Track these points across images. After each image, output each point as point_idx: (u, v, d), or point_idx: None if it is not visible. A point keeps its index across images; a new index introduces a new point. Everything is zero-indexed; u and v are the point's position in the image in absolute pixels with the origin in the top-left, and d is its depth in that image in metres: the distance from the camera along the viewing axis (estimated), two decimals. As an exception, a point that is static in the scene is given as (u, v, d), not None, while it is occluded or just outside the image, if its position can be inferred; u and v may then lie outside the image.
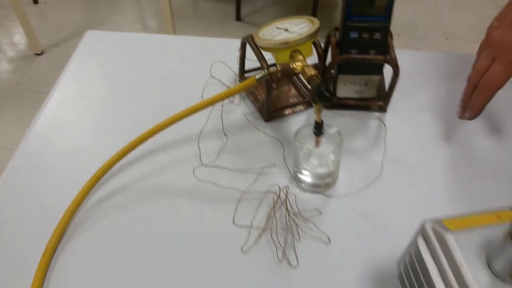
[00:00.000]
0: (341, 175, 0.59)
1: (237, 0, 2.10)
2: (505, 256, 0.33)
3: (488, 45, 0.56)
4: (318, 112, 0.51)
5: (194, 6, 2.30)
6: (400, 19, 2.07)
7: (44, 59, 2.06)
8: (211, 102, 0.55)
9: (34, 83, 1.95)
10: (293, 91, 0.69)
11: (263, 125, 0.65)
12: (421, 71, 0.73)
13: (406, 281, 0.42)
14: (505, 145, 0.63)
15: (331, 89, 0.66)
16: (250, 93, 0.68)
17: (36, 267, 0.49)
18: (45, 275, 0.49)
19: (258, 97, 0.67)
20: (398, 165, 0.60)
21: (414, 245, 0.40)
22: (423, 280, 0.39)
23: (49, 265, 0.50)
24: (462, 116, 0.59)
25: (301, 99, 0.67)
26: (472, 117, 0.58)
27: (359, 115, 0.66)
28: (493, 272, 0.35)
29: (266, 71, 0.54)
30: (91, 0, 2.35)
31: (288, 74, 0.53)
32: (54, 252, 0.51)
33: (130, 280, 0.49)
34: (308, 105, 0.67)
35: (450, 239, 0.37)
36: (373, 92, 0.65)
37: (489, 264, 0.35)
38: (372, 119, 0.66)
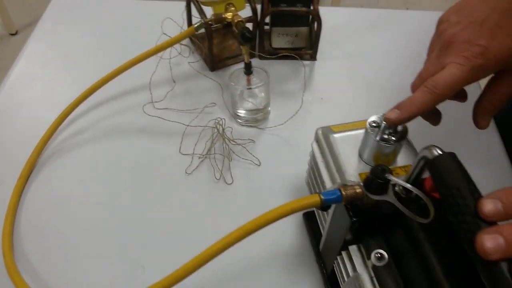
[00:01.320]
0: (273, 112, 0.69)
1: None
2: (368, 145, 0.44)
3: (445, 46, 0.44)
4: (246, 53, 0.61)
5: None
6: (363, -9, 2.16)
7: (18, 38, 2.11)
8: (157, 50, 0.65)
9: (10, 63, 2.01)
10: (236, 44, 0.78)
11: (209, 74, 0.74)
12: (350, 25, 0.83)
13: (309, 181, 0.53)
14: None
15: (270, 42, 0.76)
16: (198, 47, 0.77)
17: (12, 191, 0.58)
18: (20, 197, 0.59)
19: (204, 50, 0.76)
20: (322, 102, 0.70)
21: (311, 148, 0.50)
22: (316, 173, 0.49)
23: (23, 189, 0.59)
24: (386, 116, 0.42)
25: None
26: (398, 119, 0.41)
27: (293, 63, 0.75)
28: (363, 160, 0.45)
29: (203, 20, 0.63)
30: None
31: (221, 22, 0.63)
32: (27, 179, 0.60)
33: (93, 201, 0.59)
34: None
35: (333, 137, 0.47)
36: (303, 42, 0.75)
37: (360, 155, 0.45)
38: (303, 66, 0.76)
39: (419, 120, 0.46)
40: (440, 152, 0.34)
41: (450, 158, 0.33)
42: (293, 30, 0.73)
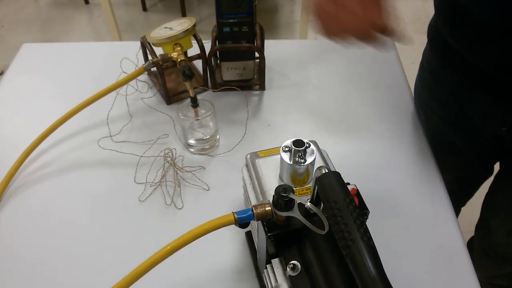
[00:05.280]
0: (223, 139, 0.74)
1: (183, 12, 2.26)
2: (284, 167, 0.49)
3: None
4: (190, 88, 0.67)
5: (143, 19, 2.45)
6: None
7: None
8: (111, 89, 0.70)
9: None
10: (190, 79, 0.84)
11: (166, 108, 0.80)
12: (295, 56, 0.90)
13: (244, 202, 0.58)
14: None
15: (221, 75, 0.82)
16: (155, 83, 0.83)
17: (-25, 224, 0.63)
18: (-16, 230, 0.63)
19: (159, 86, 0.82)
20: (269, 128, 0.76)
21: (242, 173, 0.55)
22: (245, 194, 0.54)
23: (-14, 222, 0.64)
24: None
25: (196, 85, 0.83)
26: None
27: (243, 94, 0.81)
28: (283, 181, 0.50)
29: (151, 60, 0.69)
30: (46, 20, 2.48)
31: (167, 61, 0.69)
32: (-10, 212, 0.65)
33: (55, 230, 0.63)
34: (202, 90, 0.82)
35: (258, 161, 0.52)
36: (251, 74, 0.81)
37: (280, 176, 0.51)
38: (253, 96, 0.82)
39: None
40: (326, 171, 0.39)
41: (333, 176, 0.38)
42: (241, 64, 0.80)
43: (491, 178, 0.83)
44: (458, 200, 0.93)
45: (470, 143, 0.75)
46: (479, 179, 0.89)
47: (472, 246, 0.94)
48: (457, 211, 0.97)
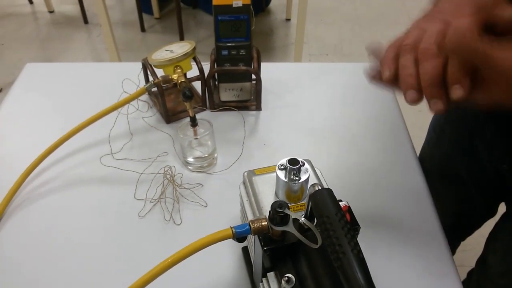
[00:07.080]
0: (220, 158, 0.77)
1: (181, 34, 2.31)
2: (280, 185, 0.51)
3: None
4: (190, 108, 0.70)
5: (141, 39, 2.50)
6: (328, 41, 2.32)
7: (2, 96, 2.20)
8: (113, 108, 0.73)
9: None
10: (189, 99, 0.87)
11: (165, 126, 0.83)
12: (291, 78, 0.94)
13: (241, 218, 0.60)
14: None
15: (219, 96, 0.85)
16: (155, 103, 0.86)
17: (-21, 238, 0.65)
18: (-14, 244, 0.65)
19: (159, 105, 0.85)
20: (265, 147, 0.79)
21: (239, 190, 0.58)
22: (244, 210, 0.56)
23: (-11, 237, 0.66)
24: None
25: (195, 105, 0.86)
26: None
27: (240, 113, 0.85)
28: (278, 198, 0.53)
29: (152, 81, 0.72)
30: (45, 38, 2.52)
31: (168, 82, 0.72)
32: (-7, 227, 0.67)
33: (57, 245, 0.65)
34: (201, 110, 0.85)
35: (255, 179, 0.55)
36: (248, 95, 0.84)
37: (276, 193, 0.53)
38: (250, 116, 0.85)
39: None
40: (320, 188, 0.42)
41: (325, 192, 0.41)
42: (238, 85, 0.83)
43: (498, 215, 0.82)
44: (456, 235, 0.92)
45: (474, 175, 0.76)
46: (480, 217, 0.89)
47: (470, 278, 0.95)
48: (455, 245, 0.99)
